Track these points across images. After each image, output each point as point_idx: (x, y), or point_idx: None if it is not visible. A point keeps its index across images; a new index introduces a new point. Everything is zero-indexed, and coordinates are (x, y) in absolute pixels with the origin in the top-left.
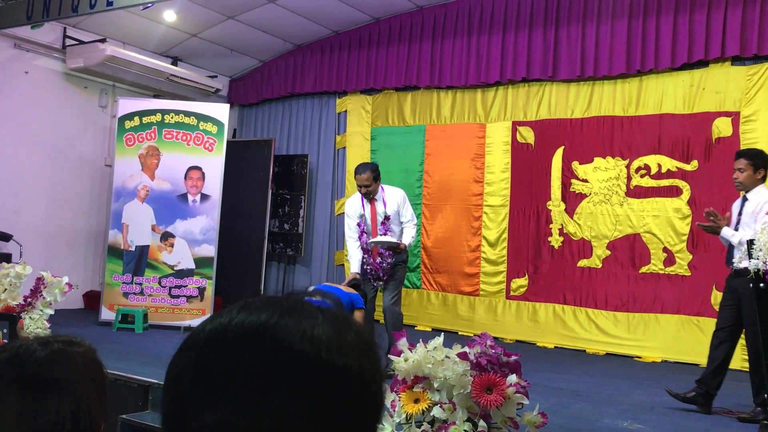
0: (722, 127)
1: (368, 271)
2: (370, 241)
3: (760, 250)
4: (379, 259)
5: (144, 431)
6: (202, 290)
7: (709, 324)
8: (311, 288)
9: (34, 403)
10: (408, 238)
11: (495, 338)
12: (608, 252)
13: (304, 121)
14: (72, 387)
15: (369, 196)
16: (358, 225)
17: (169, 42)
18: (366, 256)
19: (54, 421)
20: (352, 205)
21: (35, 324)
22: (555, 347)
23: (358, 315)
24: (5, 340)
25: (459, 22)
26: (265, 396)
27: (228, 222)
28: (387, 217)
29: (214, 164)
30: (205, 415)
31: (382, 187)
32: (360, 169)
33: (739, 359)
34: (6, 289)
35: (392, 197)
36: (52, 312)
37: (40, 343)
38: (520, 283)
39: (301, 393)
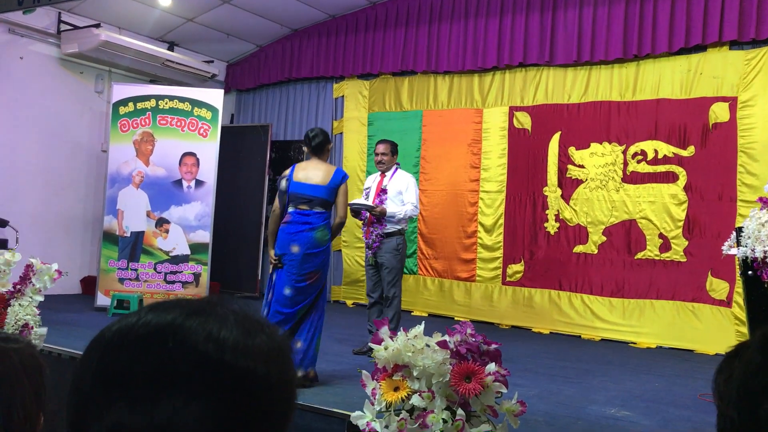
0: (719, 113)
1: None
2: (349, 202)
3: (749, 237)
4: (371, 229)
5: None
6: (197, 276)
7: (705, 310)
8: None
9: None
10: (397, 209)
11: (491, 324)
12: (604, 238)
13: (301, 107)
14: (6, 384)
15: (381, 167)
16: (366, 195)
17: (165, 27)
18: (364, 227)
19: None
20: (368, 179)
21: (25, 311)
22: (550, 333)
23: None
24: None
25: (456, 6)
26: (163, 396)
27: (225, 208)
28: (384, 190)
29: (208, 150)
30: (104, 417)
31: (396, 168)
32: (381, 140)
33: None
34: None
35: (400, 178)
36: (41, 299)
37: None
38: (516, 268)
39: (200, 394)
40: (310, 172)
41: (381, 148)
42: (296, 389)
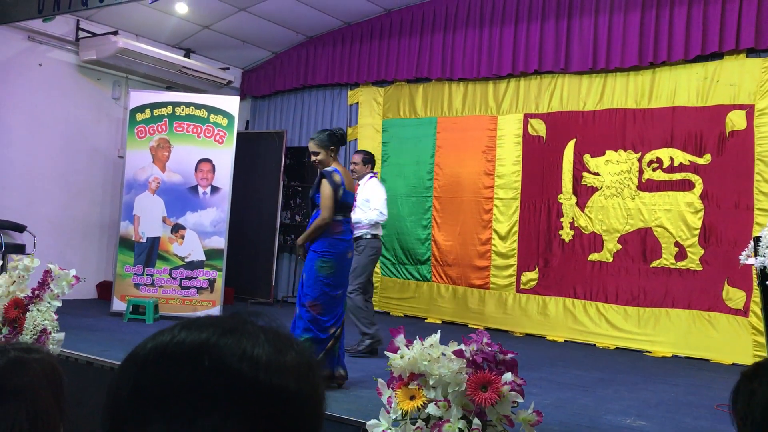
0: (736, 121)
1: None
2: None
3: (767, 247)
4: None
5: None
6: (212, 282)
7: (721, 319)
8: None
9: None
10: (363, 215)
11: (505, 332)
12: (619, 246)
13: (315, 113)
14: (29, 394)
15: (354, 175)
16: None
17: (181, 34)
18: None
19: (10, 428)
20: None
21: (43, 316)
22: (565, 341)
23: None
24: None
25: (471, 13)
26: (200, 414)
27: (240, 214)
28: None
29: (224, 156)
30: None
31: (371, 177)
32: (357, 151)
33: (750, 355)
34: (15, 282)
35: (370, 186)
36: (59, 304)
37: None
38: (531, 276)
39: (236, 412)
40: (346, 179)
41: (355, 157)
42: (325, 404)
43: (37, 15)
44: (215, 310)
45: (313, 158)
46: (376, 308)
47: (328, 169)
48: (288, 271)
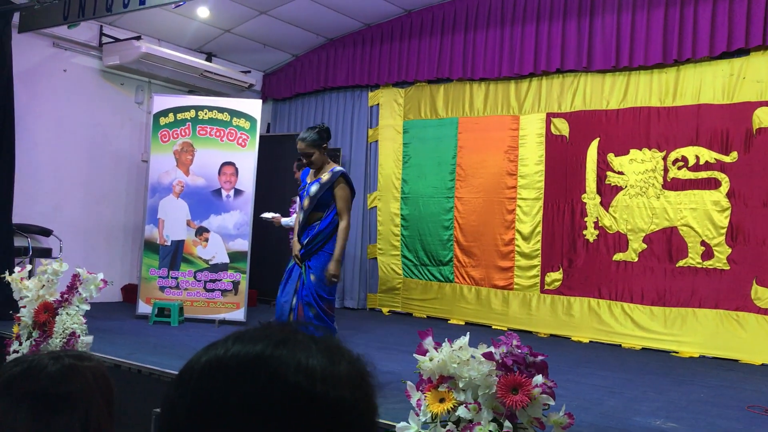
0: (763, 117)
1: None
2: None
3: None
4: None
5: None
6: (236, 284)
7: (749, 319)
8: None
9: (46, 417)
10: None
11: (529, 332)
12: (644, 245)
13: (336, 115)
14: (82, 401)
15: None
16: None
17: (203, 38)
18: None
19: None
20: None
21: (72, 319)
22: (590, 342)
23: None
24: None
25: (492, 12)
26: (259, 427)
27: None
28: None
29: (247, 159)
30: None
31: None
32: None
33: None
34: (44, 286)
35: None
36: (87, 308)
37: (52, 357)
38: (555, 276)
39: (294, 425)
40: None
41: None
42: (378, 413)
43: (63, 21)
44: (239, 313)
45: (305, 160)
46: (398, 309)
47: (339, 168)
48: None
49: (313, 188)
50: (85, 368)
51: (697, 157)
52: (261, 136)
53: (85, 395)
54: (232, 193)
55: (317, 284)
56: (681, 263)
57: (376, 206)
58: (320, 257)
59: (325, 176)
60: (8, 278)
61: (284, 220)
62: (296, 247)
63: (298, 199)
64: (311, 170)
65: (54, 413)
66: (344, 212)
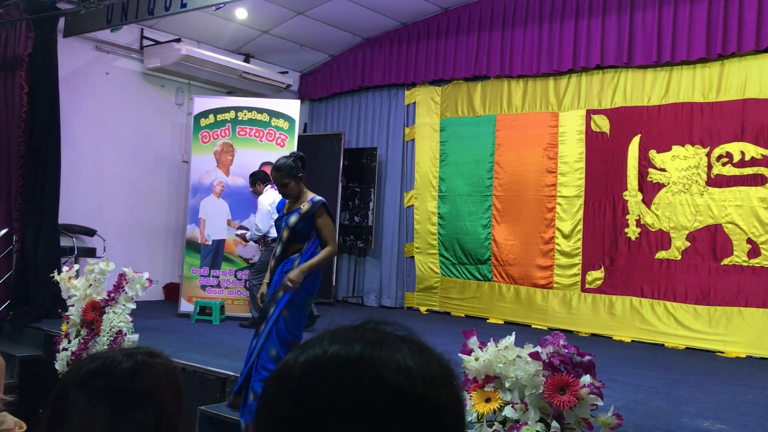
0: None
1: None
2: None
3: None
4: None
5: (222, 422)
6: None
7: None
8: None
9: (122, 413)
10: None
11: (569, 332)
12: (688, 243)
13: (373, 114)
14: (155, 396)
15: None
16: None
17: (241, 39)
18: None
19: (139, 429)
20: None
21: (118, 318)
22: (632, 341)
23: None
24: None
25: (530, 9)
26: (364, 428)
27: None
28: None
29: None
30: None
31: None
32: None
33: None
34: (91, 285)
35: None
36: (133, 306)
37: (125, 354)
38: (596, 275)
39: (398, 426)
40: None
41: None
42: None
43: (106, 26)
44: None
45: (281, 190)
46: (436, 308)
47: (319, 198)
48: (348, 271)
49: (293, 219)
50: (156, 364)
51: (743, 153)
52: (298, 136)
53: (158, 391)
54: None
55: (290, 321)
56: (726, 261)
57: (413, 205)
58: (298, 291)
59: (304, 206)
60: (57, 278)
61: (249, 235)
62: (264, 287)
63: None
64: (288, 200)
65: (129, 408)
66: (330, 240)
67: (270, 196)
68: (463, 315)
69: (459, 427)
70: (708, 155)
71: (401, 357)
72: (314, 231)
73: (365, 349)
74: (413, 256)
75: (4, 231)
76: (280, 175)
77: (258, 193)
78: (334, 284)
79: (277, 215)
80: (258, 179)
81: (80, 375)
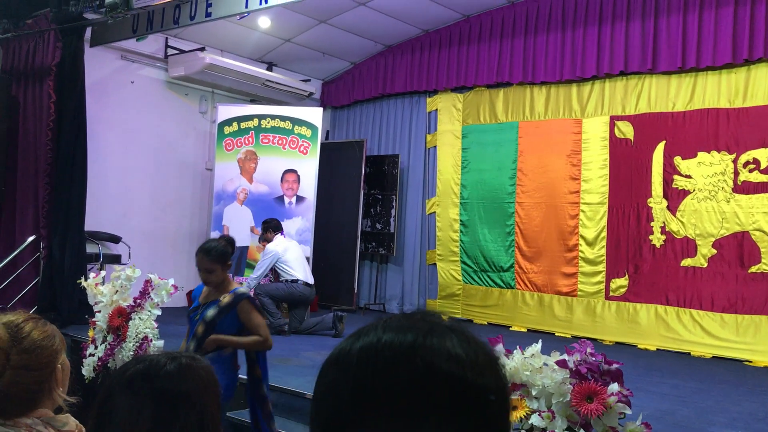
0: None
1: None
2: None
3: None
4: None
5: (246, 429)
6: None
7: None
8: None
9: (167, 415)
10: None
11: (593, 340)
12: (714, 251)
13: (394, 121)
14: (198, 399)
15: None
16: None
17: (264, 48)
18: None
19: (182, 430)
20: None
21: (144, 324)
22: (657, 349)
23: None
24: None
25: (552, 15)
26: (421, 413)
27: (322, 222)
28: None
29: (308, 167)
30: (366, 429)
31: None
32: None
33: None
34: (117, 291)
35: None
36: (159, 312)
37: (169, 357)
38: (620, 283)
39: (453, 412)
40: None
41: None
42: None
43: (132, 35)
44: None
45: (203, 276)
46: (459, 315)
47: (243, 290)
48: (369, 278)
49: (210, 312)
50: (199, 368)
51: None
52: (321, 144)
53: (201, 394)
54: (294, 199)
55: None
56: (753, 269)
57: (435, 212)
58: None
59: (225, 298)
60: (84, 284)
61: (251, 281)
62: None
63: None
64: (205, 288)
65: (174, 412)
66: (260, 330)
67: (280, 245)
68: (486, 323)
69: (506, 413)
70: (734, 162)
71: (451, 345)
72: (236, 327)
73: (417, 337)
74: (435, 264)
75: (31, 238)
76: (208, 259)
77: (268, 241)
78: (356, 291)
79: (194, 303)
80: (270, 227)
81: (126, 377)
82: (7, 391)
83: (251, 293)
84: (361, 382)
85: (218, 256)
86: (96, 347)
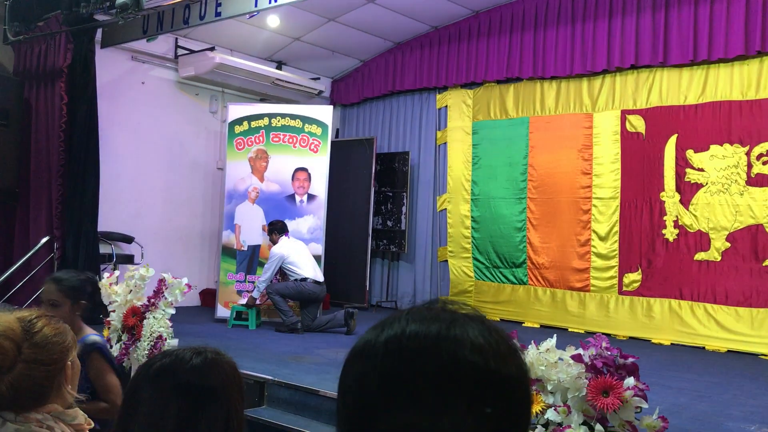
0: None
1: None
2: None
3: None
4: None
5: (261, 426)
6: None
7: None
8: None
9: (193, 410)
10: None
11: (607, 335)
12: (728, 244)
13: (404, 119)
14: (224, 393)
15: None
16: None
17: (273, 47)
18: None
19: (209, 426)
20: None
21: (158, 323)
22: (671, 344)
23: None
24: None
25: (562, 9)
26: (447, 403)
27: (333, 220)
28: None
29: (319, 165)
30: (393, 419)
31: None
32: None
33: None
34: (131, 290)
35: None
36: (173, 311)
37: (194, 351)
38: (633, 277)
39: (477, 400)
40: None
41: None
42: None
43: (142, 36)
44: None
45: (48, 309)
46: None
47: (96, 339)
48: (381, 276)
49: None
50: (224, 362)
51: None
52: (331, 142)
53: (226, 389)
54: (305, 198)
55: None
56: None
57: (446, 209)
58: None
59: None
60: (98, 284)
61: (255, 293)
62: None
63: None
64: None
65: (200, 405)
66: (112, 396)
67: (285, 247)
68: (498, 319)
69: (527, 400)
70: (747, 154)
71: (474, 335)
72: (90, 389)
73: (441, 329)
74: (447, 260)
75: (45, 239)
76: (57, 289)
77: (273, 243)
78: (367, 289)
79: None
80: (275, 229)
81: (152, 371)
82: (19, 385)
83: (105, 345)
84: (388, 373)
85: (69, 290)
86: (111, 347)
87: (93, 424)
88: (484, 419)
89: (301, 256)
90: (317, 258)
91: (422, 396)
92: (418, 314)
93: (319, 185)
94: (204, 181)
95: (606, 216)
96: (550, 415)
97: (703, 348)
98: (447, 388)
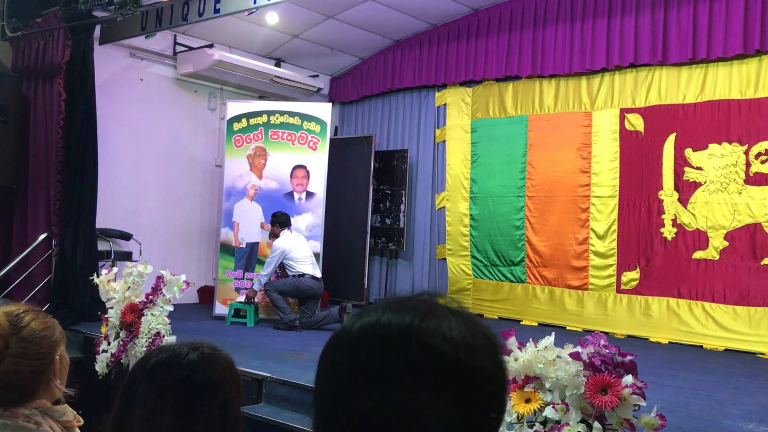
0: None
1: None
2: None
3: None
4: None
5: (259, 423)
6: None
7: None
8: None
9: (190, 405)
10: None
11: (605, 333)
12: (726, 243)
13: (403, 116)
14: (220, 389)
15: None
16: None
17: (272, 44)
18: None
19: (206, 421)
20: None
21: (156, 320)
22: (669, 342)
23: None
24: None
25: (561, 7)
26: (413, 390)
27: (332, 218)
28: None
29: (318, 162)
30: (361, 404)
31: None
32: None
33: None
34: (130, 287)
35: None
36: (171, 308)
37: (191, 347)
38: (631, 276)
39: (443, 390)
40: None
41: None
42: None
43: (141, 32)
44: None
45: None
46: (469, 310)
47: None
48: (380, 273)
49: None
50: (221, 358)
51: None
52: (330, 139)
53: (223, 384)
54: (303, 195)
55: None
56: (766, 261)
57: (444, 207)
58: None
59: None
60: (96, 281)
61: (256, 285)
62: None
63: None
64: None
65: (197, 400)
66: None
67: (287, 241)
68: (497, 317)
69: (501, 394)
70: (746, 153)
71: (448, 328)
72: None
73: (415, 319)
74: (445, 258)
75: (43, 236)
76: None
77: (275, 236)
78: (366, 286)
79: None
80: (278, 221)
81: (148, 366)
82: (5, 380)
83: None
84: (358, 359)
85: None
86: (109, 343)
87: (82, 421)
88: (452, 408)
89: (301, 251)
90: (316, 255)
91: (390, 382)
92: (396, 304)
93: (318, 183)
94: (202, 178)
95: (604, 214)
96: (549, 412)
97: (701, 346)
98: (414, 375)
